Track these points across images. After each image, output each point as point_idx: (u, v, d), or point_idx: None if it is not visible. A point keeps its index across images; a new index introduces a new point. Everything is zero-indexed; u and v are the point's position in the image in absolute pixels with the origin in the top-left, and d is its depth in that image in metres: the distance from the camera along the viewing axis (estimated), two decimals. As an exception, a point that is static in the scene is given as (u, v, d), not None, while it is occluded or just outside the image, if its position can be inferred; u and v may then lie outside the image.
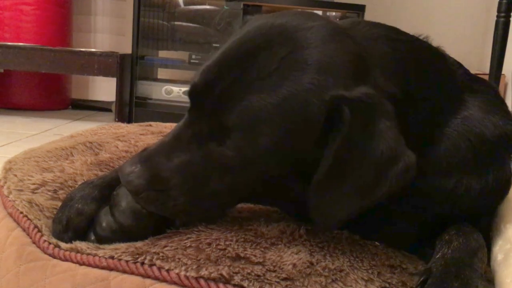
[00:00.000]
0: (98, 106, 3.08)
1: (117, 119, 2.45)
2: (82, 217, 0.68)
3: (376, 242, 0.65)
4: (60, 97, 2.99)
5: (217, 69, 0.61)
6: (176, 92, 2.58)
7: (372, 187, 0.57)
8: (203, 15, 2.73)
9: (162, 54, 2.90)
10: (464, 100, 0.69)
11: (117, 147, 1.02)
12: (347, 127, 0.56)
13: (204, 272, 0.55)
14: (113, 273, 0.59)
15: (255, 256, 0.58)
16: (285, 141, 0.58)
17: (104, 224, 0.66)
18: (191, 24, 2.76)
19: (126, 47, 2.72)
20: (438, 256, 0.57)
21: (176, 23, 2.75)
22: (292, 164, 0.60)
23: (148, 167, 0.61)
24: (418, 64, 0.67)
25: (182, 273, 0.55)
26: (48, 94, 2.90)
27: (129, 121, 2.53)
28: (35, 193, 0.77)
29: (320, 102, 0.57)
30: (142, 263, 0.58)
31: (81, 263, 0.62)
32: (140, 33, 2.56)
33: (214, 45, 2.65)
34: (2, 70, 2.77)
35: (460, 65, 0.74)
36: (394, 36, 0.68)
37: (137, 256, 0.59)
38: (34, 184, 0.79)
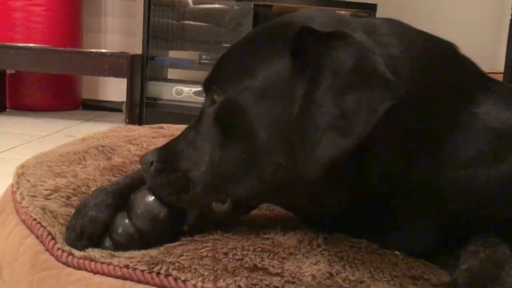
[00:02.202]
0: (108, 106, 3.08)
1: (127, 120, 2.45)
2: (96, 225, 0.67)
3: (396, 251, 0.64)
4: (71, 97, 3.00)
5: (223, 58, 0.66)
6: (186, 93, 2.57)
7: (347, 120, 0.52)
8: (213, 15, 2.72)
9: (172, 54, 2.89)
10: (479, 97, 0.67)
11: (130, 151, 1.01)
12: (312, 57, 0.55)
13: (221, 284, 0.53)
14: (128, 283, 0.58)
15: (273, 266, 0.56)
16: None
17: (120, 230, 0.65)
18: (201, 24, 2.75)
19: (136, 47, 2.72)
20: (464, 267, 0.55)
21: (186, 22, 2.74)
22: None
23: (164, 147, 0.67)
24: (432, 56, 0.66)
25: (199, 284, 0.54)
26: (59, 94, 2.91)
27: (140, 121, 2.53)
28: (48, 199, 0.76)
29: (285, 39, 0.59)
30: (158, 273, 0.57)
31: (95, 272, 0.61)
32: (150, 33, 2.55)
33: (224, 45, 2.64)
34: (13, 71, 2.79)
35: (474, 64, 0.73)
36: (406, 25, 0.68)
37: (153, 265, 0.58)
38: (47, 190, 0.78)
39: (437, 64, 0.66)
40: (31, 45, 2.57)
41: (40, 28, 2.75)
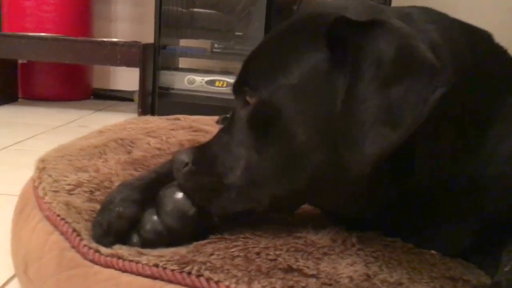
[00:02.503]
0: (119, 96, 3.07)
1: (140, 110, 2.43)
2: (123, 221, 0.65)
3: (432, 251, 0.62)
4: (82, 87, 2.98)
5: (252, 57, 0.63)
6: (198, 82, 2.54)
7: (396, 113, 0.49)
8: (224, 2, 2.68)
9: (183, 43, 2.86)
10: None
11: (149, 144, 1.00)
12: (351, 49, 0.52)
13: (256, 286, 0.52)
14: (158, 282, 0.57)
15: (308, 267, 0.55)
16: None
17: (148, 226, 0.64)
18: (212, 11, 2.71)
19: (147, 35, 2.69)
20: (507, 269, 0.53)
21: (196, 10, 2.71)
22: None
23: (198, 149, 0.65)
24: (471, 43, 0.63)
25: (233, 285, 0.52)
26: (71, 84, 2.89)
27: (152, 111, 2.51)
28: (72, 194, 0.75)
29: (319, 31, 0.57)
30: (189, 273, 0.56)
31: (124, 270, 0.60)
32: (162, 22, 2.52)
33: (236, 33, 2.60)
34: (25, 60, 2.77)
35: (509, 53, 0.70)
36: (440, 12, 0.65)
37: (184, 265, 0.57)
38: (69, 185, 0.77)
39: (477, 51, 0.63)
40: (43, 34, 2.54)
41: (50, 17, 2.72)
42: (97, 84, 3.13)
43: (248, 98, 0.61)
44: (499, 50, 0.67)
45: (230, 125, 0.65)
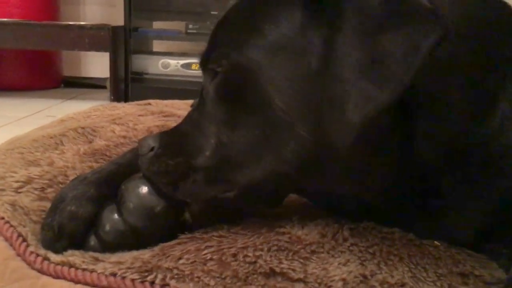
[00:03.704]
0: (92, 83, 2.93)
1: (112, 97, 2.31)
2: (77, 222, 0.57)
3: (436, 242, 0.54)
4: (51, 75, 2.83)
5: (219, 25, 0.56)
6: (173, 66, 2.42)
7: (382, 66, 0.42)
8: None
9: (157, 25, 2.73)
10: None
11: (114, 132, 0.90)
12: None
13: (232, 296, 0.43)
14: (117, 295, 0.48)
15: (294, 270, 0.46)
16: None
17: (108, 227, 0.56)
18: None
19: (118, 18, 2.55)
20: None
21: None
22: None
23: (168, 131, 0.58)
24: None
25: (204, 297, 0.44)
26: (38, 72, 2.74)
27: (126, 98, 2.39)
28: (19, 192, 0.66)
29: None
30: (152, 283, 0.47)
31: (76, 281, 0.51)
32: (133, 3, 2.39)
33: (212, 13, 2.48)
34: (-14, 48, 2.61)
35: None
36: None
37: (146, 273, 0.48)
38: (17, 182, 0.67)
39: (481, 2, 0.55)
40: (4, 19, 2.39)
41: (13, 1, 2.56)
42: (67, 71, 2.98)
43: (217, 68, 0.52)
44: (506, 4, 0.58)
45: (199, 103, 0.57)
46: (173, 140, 0.56)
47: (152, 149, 0.55)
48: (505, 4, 0.58)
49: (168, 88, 2.34)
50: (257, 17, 0.51)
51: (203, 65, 0.56)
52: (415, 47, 0.40)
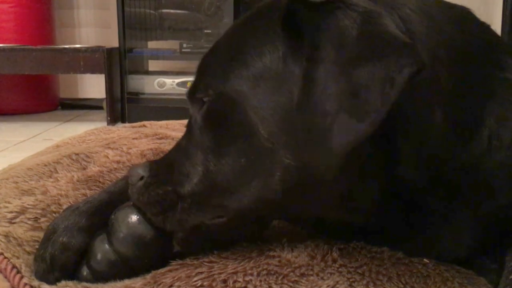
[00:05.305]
0: (89, 104, 2.94)
1: (109, 118, 2.32)
2: (68, 253, 0.57)
3: (425, 259, 0.54)
4: (48, 98, 2.84)
5: (205, 59, 0.57)
6: (169, 85, 2.44)
7: (360, 99, 0.42)
8: (191, 1, 2.58)
9: (152, 45, 2.76)
10: (507, 62, 0.57)
11: (108, 157, 0.91)
12: (307, 31, 0.46)
13: (222, 324, 0.44)
14: (109, 325, 0.49)
15: (283, 294, 0.47)
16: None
17: (99, 257, 0.56)
18: (179, 11, 2.62)
19: (112, 40, 2.58)
20: (512, 277, 0.46)
21: (164, 10, 2.61)
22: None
23: (158, 160, 0.59)
24: (450, 18, 0.56)
25: (195, 325, 0.44)
26: (35, 96, 2.75)
27: (122, 118, 2.40)
28: (13, 223, 0.66)
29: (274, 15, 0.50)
30: (144, 312, 0.47)
31: (70, 312, 0.51)
32: (126, 24, 2.41)
33: (205, 31, 2.51)
34: (-17, 74, 2.63)
35: (490, 27, 0.62)
36: None
37: (138, 302, 0.48)
38: (11, 212, 0.68)
39: (457, 26, 0.56)
40: (0, 45, 2.41)
41: (9, 26, 2.58)
42: (64, 93, 2.99)
43: (204, 98, 0.54)
44: (483, 25, 0.60)
45: (187, 131, 0.58)
46: (162, 169, 0.56)
47: (141, 178, 0.55)
48: (483, 24, 0.59)
49: (164, 107, 2.35)
50: (242, 49, 0.52)
51: (191, 94, 0.57)
52: (391, 80, 0.41)
